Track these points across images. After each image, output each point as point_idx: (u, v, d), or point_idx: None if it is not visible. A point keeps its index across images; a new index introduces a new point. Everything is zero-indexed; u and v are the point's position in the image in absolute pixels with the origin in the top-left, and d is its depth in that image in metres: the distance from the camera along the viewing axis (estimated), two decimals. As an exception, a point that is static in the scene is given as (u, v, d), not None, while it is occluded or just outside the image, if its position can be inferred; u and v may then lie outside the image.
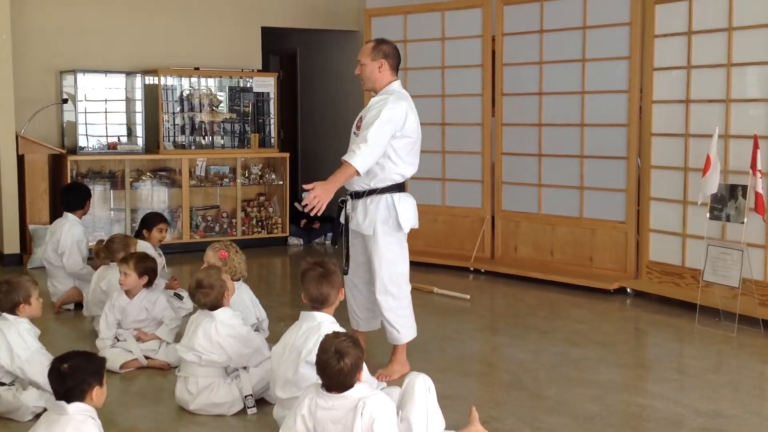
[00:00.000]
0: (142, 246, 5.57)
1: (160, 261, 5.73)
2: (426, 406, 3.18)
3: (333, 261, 3.72)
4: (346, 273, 4.36)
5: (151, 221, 5.80)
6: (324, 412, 2.98)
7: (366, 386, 3.06)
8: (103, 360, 3.03)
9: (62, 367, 2.85)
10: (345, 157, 4.14)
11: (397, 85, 4.39)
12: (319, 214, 4.09)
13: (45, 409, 3.68)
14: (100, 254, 5.37)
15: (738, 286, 5.31)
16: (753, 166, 5.27)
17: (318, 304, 3.59)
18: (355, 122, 4.38)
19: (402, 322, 4.41)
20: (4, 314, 3.91)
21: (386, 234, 4.31)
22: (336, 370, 2.94)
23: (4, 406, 3.79)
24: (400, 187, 4.36)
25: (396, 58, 4.42)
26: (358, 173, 4.13)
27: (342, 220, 4.41)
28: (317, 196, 4.02)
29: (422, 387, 3.21)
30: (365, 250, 4.40)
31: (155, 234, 5.72)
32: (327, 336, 3.08)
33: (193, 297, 4.03)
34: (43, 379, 3.71)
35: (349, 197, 4.39)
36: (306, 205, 4.02)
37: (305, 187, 4.11)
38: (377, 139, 4.13)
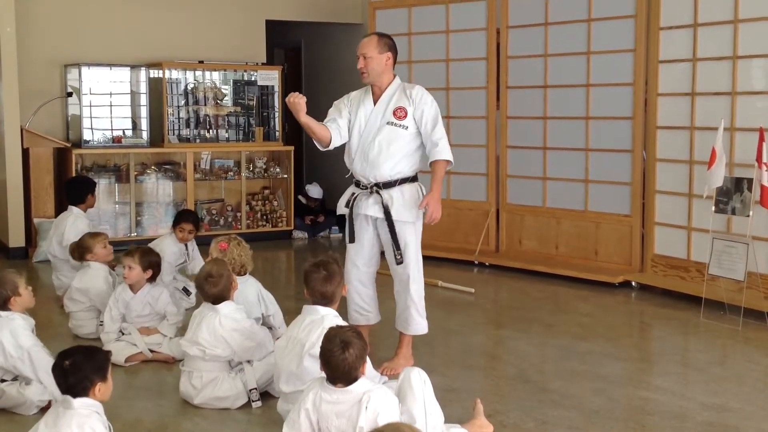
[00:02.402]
0: (167, 240, 5.64)
1: (176, 260, 5.72)
2: (423, 398, 3.19)
3: (335, 258, 3.72)
4: (400, 263, 4.34)
5: (176, 220, 5.82)
6: (328, 405, 2.98)
7: (368, 380, 3.07)
8: (107, 354, 3.02)
9: (64, 364, 2.85)
10: (439, 156, 4.29)
11: (399, 80, 4.45)
12: (438, 220, 4.29)
13: (50, 403, 3.71)
14: (75, 255, 5.40)
15: (743, 280, 5.29)
16: (759, 158, 5.24)
17: (322, 302, 3.61)
18: (391, 110, 4.31)
19: (425, 310, 4.45)
20: None
21: (420, 222, 4.39)
22: (340, 359, 2.94)
23: (9, 401, 3.80)
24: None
25: (397, 52, 4.46)
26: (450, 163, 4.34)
27: (374, 213, 4.31)
28: (434, 211, 4.25)
29: (418, 380, 3.22)
30: (378, 241, 4.40)
31: (177, 233, 5.72)
32: (331, 328, 3.10)
33: (200, 288, 4.03)
34: (34, 375, 3.73)
35: (371, 189, 4.31)
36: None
37: (420, 208, 4.29)
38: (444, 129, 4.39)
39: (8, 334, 3.79)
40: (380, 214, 4.31)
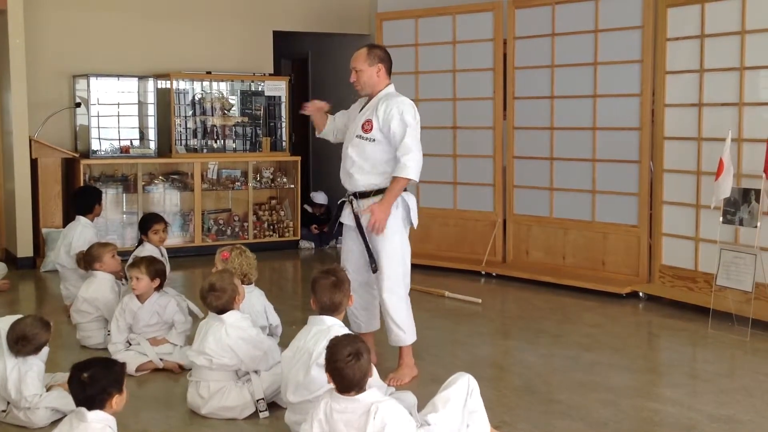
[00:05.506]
0: (148, 249, 5.61)
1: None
2: (463, 407, 3.26)
3: (343, 268, 3.74)
4: (375, 271, 4.35)
5: (144, 224, 5.81)
6: (338, 415, 2.99)
7: (378, 391, 3.07)
8: (123, 366, 3.03)
9: (82, 376, 2.85)
10: (398, 173, 4.23)
11: (392, 88, 4.45)
12: (382, 233, 4.26)
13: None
14: (81, 264, 5.42)
15: (751, 291, 5.28)
16: (766, 169, 5.24)
17: (329, 311, 3.61)
18: (360, 124, 4.37)
19: (408, 323, 4.43)
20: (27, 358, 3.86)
21: (399, 233, 4.37)
22: (356, 368, 2.94)
23: (16, 421, 3.81)
24: None
25: (390, 61, 4.45)
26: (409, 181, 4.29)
27: (348, 221, 4.42)
28: (377, 219, 4.23)
29: (463, 389, 3.28)
30: (364, 251, 4.40)
31: (152, 237, 5.72)
32: (335, 338, 3.10)
33: (204, 300, 4.04)
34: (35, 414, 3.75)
35: (353, 197, 4.39)
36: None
37: (363, 212, 4.27)
38: (417, 144, 4.27)
39: (16, 376, 3.77)
40: (352, 223, 4.39)
